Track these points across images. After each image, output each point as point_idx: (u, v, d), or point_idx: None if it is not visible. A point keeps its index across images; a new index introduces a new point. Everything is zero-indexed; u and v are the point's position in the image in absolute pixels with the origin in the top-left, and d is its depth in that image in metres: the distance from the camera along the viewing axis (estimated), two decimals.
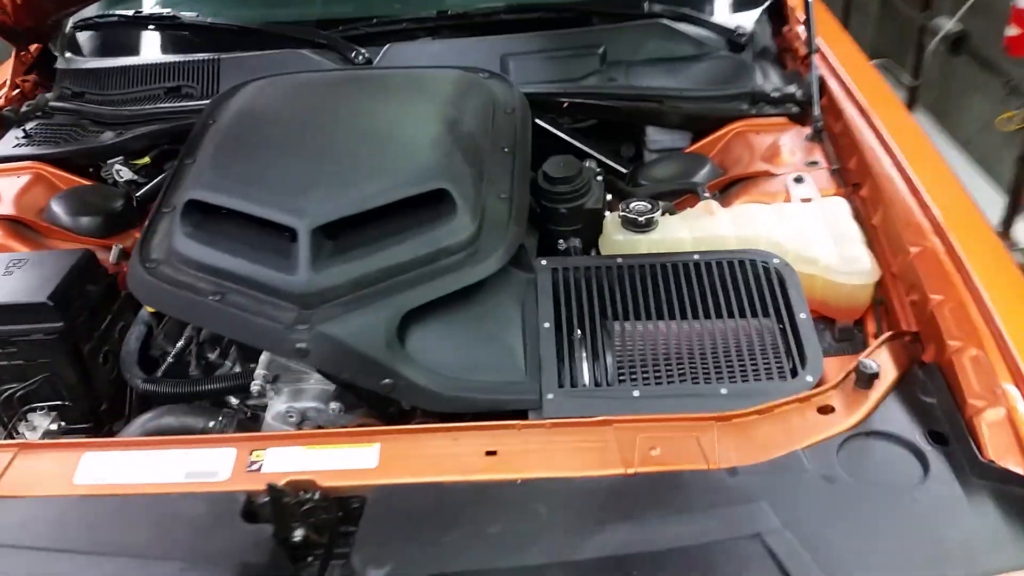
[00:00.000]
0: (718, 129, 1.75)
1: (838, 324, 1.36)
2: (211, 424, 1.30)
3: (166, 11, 2.10)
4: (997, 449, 0.98)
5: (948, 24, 3.64)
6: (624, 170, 1.76)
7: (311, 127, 1.39)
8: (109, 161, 1.83)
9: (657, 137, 1.85)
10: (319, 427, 1.29)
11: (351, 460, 1.08)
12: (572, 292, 1.28)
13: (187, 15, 2.02)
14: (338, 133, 1.36)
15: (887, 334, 1.21)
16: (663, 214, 1.48)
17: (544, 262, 1.33)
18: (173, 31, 2.05)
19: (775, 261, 1.30)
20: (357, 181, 1.23)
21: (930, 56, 3.76)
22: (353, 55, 1.85)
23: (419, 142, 1.32)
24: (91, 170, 1.88)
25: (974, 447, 0.99)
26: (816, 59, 1.81)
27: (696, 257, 1.31)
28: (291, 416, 1.29)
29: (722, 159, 1.71)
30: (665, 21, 1.90)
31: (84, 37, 2.13)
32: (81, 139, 1.85)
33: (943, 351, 1.13)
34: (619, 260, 1.33)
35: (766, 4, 2.02)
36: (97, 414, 1.46)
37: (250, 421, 1.36)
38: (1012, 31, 3.00)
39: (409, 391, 1.16)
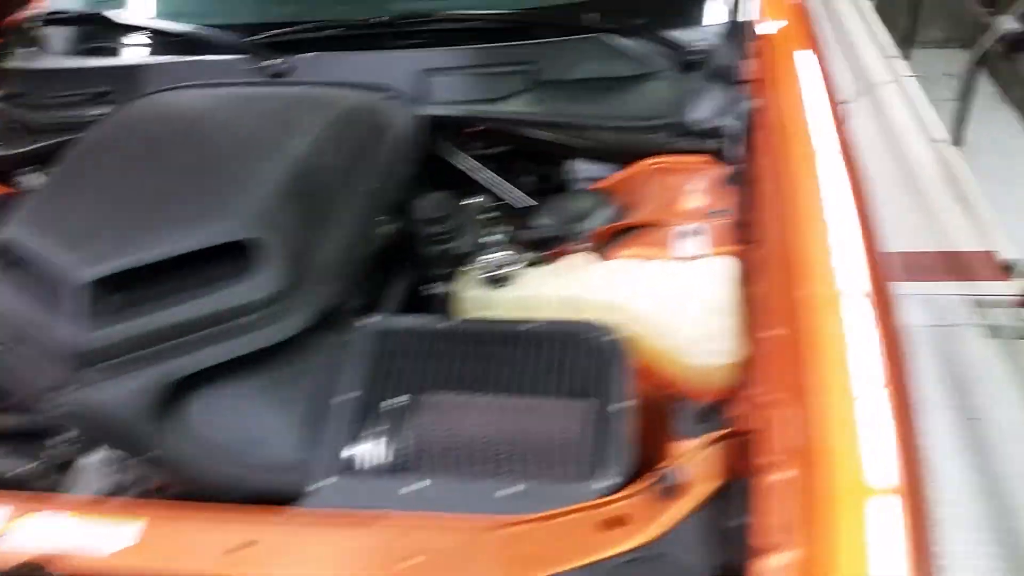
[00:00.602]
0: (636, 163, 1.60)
1: (699, 405, 1.22)
2: (22, 470, 1.27)
3: (112, 11, 2.08)
4: None
5: (1008, 23, 3.28)
6: (528, 206, 1.63)
7: (141, 161, 1.32)
8: (22, 170, 1.83)
9: (577, 167, 1.71)
10: (137, 476, 1.25)
11: (105, 539, 1.03)
12: (387, 360, 1.18)
13: (125, 15, 1.99)
14: (163, 169, 1.28)
15: (718, 432, 1.06)
16: (532, 266, 1.36)
17: (363, 323, 1.23)
18: (114, 32, 2.01)
19: (609, 337, 1.16)
20: (150, 228, 1.15)
21: (975, 58, 3.39)
22: (267, 65, 1.78)
23: (240, 184, 1.23)
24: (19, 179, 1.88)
25: None
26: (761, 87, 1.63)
27: (525, 327, 1.19)
28: (108, 462, 1.25)
29: (630, 199, 1.56)
30: (602, 36, 1.74)
31: (47, 33, 2.12)
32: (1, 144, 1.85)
33: (762, 466, 0.98)
34: (441, 325, 1.22)
35: (730, 19, 1.82)
36: None
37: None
38: None
39: (174, 466, 1.10)
